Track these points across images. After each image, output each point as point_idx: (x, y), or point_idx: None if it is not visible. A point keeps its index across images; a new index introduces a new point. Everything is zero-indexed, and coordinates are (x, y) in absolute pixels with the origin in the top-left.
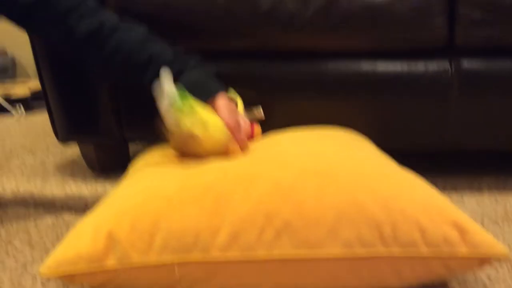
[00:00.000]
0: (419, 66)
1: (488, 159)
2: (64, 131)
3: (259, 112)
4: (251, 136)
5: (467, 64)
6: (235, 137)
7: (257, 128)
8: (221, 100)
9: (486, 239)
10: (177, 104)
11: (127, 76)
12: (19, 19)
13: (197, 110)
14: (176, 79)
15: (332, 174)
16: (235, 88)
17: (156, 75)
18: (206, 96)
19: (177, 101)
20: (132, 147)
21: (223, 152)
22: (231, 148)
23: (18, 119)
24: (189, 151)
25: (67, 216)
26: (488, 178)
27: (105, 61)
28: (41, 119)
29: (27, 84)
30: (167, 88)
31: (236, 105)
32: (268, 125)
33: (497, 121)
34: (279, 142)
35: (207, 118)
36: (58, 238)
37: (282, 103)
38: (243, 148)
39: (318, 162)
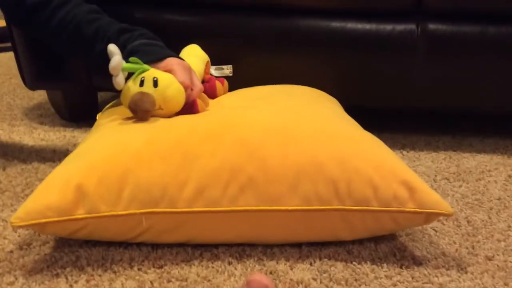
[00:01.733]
0: (387, 27)
1: (447, 119)
2: (32, 76)
3: (228, 68)
4: (213, 93)
5: (433, 26)
6: (189, 95)
7: (225, 85)
8: (173, 60)
9: (433, 198)
10: (130, 75)
11: (74, 48)
12: None
13: (150, 73)
14: (123, 48)
15: (295, 132)
16: (204, 43)
17: (104, 47)
18: (155, 58)
19: (126, 70)
20: (101, 96)
21: (181, 111)
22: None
23: None
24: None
25: (35, 162)
26: (445, 137)
27: (53, 34)
28: (6, 60)
29: None
30: (116, 61)
31: (189, 67)
32: (237, 81)
33: (459, 83)
34: (247, 99)
35: (162, 79)
36: (27, 183)
37: (251, 59)
38: (196, 107)
39: (283, 120)
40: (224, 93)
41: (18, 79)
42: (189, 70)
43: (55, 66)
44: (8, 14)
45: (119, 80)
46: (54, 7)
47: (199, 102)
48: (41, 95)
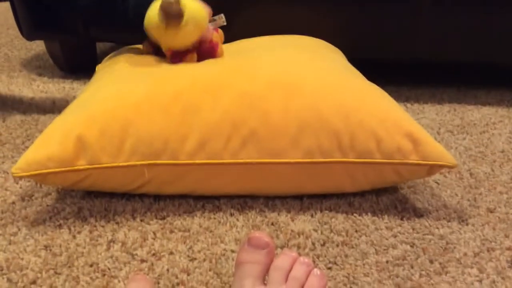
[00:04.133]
0: None
1: (452, 71)
2: (29, 27)
3: (221, 18)
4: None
5: None
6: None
7: (220, 33)
8: None
9: (437, 150)
10: None
11: None
12: None
13: None
14: None
15: (298, 85)
16: None
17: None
18: None
19: None
20: (100, 46)
21: (202, 53)
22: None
23: None
24: (170, 36)
25: (35, 114)
26: (450, 90)
27: None
28: (2, 10)
29: None
30: None
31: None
32: (235, 32)
33: (465, 35)
34: (248, 50)
35: (194, 4)
36: (27, 135)
37: (252, 10)
38: (216, 49)
39: (285, 72)
40: (221, 42)
41: (15, 30)
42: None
43: (52, 16)
44: None
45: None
46: None
47: (220, 45)
48: (39, 46)
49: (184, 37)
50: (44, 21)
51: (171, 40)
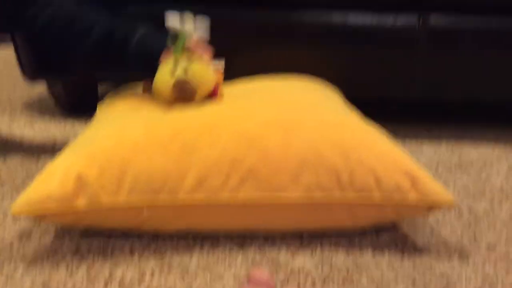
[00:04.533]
0: (388, 20)
1: (449, 110)
2: (31, 69)
3: (221, 64)
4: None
5: (434, 19)
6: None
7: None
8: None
9: (436, 188)
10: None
11: (71, 36)
12: None
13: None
14: (131, 33)
15: (297, 123)
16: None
17: (104, 36)
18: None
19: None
20: (101, 87)
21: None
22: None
23: None
24: (180, 98)
25: (36, 154)
26: (447, 129)
27: (48, 22)
28: (5, 54)
29: None
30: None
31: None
32: (238, 72)
33: (461, 76)
34: (247, 90)
35: (202, 71)
36: (27, 175)
37: (253, 51)
38: (216, 90)
39: (284, 111)
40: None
41: (18, 72)
42: (209, 51)
43: (54, 58)
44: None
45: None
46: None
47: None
48: (41, 88)
49: (194, 101)
50: (46, 62)
51: (178, 103)
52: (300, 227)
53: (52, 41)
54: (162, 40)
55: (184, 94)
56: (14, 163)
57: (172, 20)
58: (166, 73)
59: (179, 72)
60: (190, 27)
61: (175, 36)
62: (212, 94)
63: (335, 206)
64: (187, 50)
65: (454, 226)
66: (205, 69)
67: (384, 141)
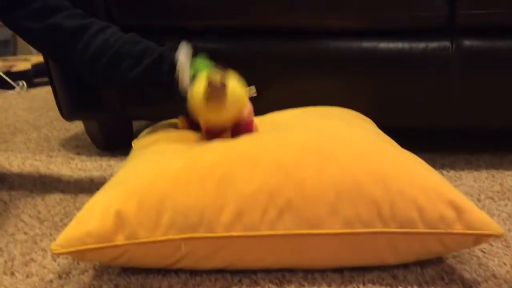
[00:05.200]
0: (420, 45)
1: (486, 136)
2: (68, 108)
3: (252, 89)
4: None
5: (468, 43)
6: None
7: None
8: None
9: (482, 218)
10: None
11: (114, 71)
12: (5, 9)
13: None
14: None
15: (333, 153)
16: (236, 68)
17: (152, 62)
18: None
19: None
20: (136, 124)
21: (238, 130)
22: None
23: (21, 94)
24: (212, 112)
25: (73, 192)
26: (486, 156)
27: (95, 54)
28: (43, 94)
29: (29, 60)
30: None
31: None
32: (269, 104)
33: (497, 100)
34: (281, 121)
35: (236, 84)
36: (65, 213)
37: (282, 83)
38: (251, 126)
39: (319, 141)
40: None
41: (55, 112)
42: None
43: (90, 96)
44: (42, 46)
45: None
46: (95, 31)
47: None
48: (77, 126)
49: (224, 113)
50: (83, 101)
51: (212, 114)
52: (340, 263)
53: (102, 69)
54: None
55: (216, 94)
56: (53, 201)
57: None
58: (203, 80)
59: (215, 75)
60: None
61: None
62: (246, 131)
63: (377, 240)
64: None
65: (502, 257)
66: (239, 84)
67: (424, 170)
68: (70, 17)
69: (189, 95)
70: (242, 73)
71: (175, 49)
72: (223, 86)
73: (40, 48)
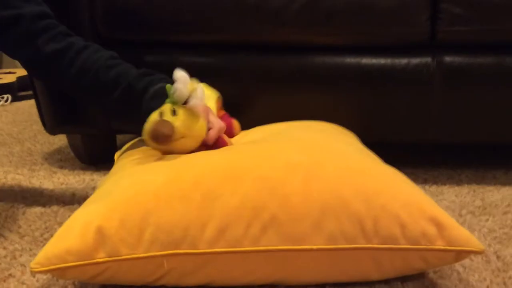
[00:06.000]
0: (402, 60)
1: (469, 151)
2: (52, 122)
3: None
4: (230, 132)
5: (449, 59)
6: (209, 135)
7: (236, 123)
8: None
9: (463, 234)
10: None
11: (94, 94)
12: None
13: (168, 106)
14: (145, 91)
15: (318, 168)
16: (218, 83)
17: (124, 91)
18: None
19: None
20: (119, 138)
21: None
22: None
23: (4, 107)
24: (167, 150)
25: (55, 206)
26: (468, 170)
27: (72, 80)
28: (28, 107)
29: (14, 73)
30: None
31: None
32: (253, 119)
33: (478, 115)
34: (265, 135)
35: (180, 108)
36: (46, 227)
37: (266, 97)
38: (223, 143)
39: (304, 156)
40: (238, 131)
41: (38, 125)
42: (206, 111)
43: (74, 111)
44: (26, 66)
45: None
46: (72, 54)
47: (225, 137)
48: (61, 140)
49: (179, 150)
50: (67, 115)
51: (166, 152)
52: (324, 279)
53: (81, 92)
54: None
55: (157, 134)
56: (33, 216)
57: (179, 78)
58: (153, 115)
59: (166, 113)
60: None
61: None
62: (217, 144)
63: (360, 256)
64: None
65: (482, 272)
66: (196, 117)
67: (406, 185)
68: (50, 41)
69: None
70: (227, 87)
71: (144, 74)
72: (168, 137)
73: (27, 71)
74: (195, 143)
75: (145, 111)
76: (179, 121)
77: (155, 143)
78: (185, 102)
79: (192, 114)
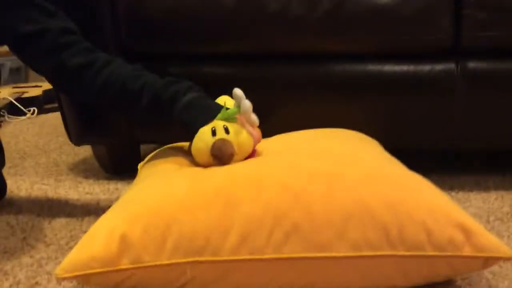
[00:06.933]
0: (425, 67)
1: (495, 157)
2: (77, 133)
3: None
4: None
5: (473, 64)
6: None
7: (258, 132)
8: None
9: (491, 241)
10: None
11: (120, 105)
12: (15, 47)
13: (219, 123)
14: (175, 101)
15: (340, 176)
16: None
17: (150, 101)
18: (214, 114)
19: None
20: (143, 148)
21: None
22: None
23: (31, 119)
24: (218, 159)
25: (80, 215)
26: (495, 176)
27: (98, 93)
28: (54, 119)
29: (40, 86)
30: (247, 104)
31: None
32: (275, 127)
33: (503, 121)
34: (287, 144)
35: (231, 126)
36: (71, 236)
37: (289, 106)
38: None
39: (326, 164)
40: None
41: (64, 137)
42: (245, 124)
43: (98, 121)
44: (51, 79)
45: (254, 118)
46: (98, 68)
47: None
48: (86, 151)
49: (238, 160)
50: (92, 126)
51: (207, 164)
52: (348, 286)
53: (107, 105)
54: (208, 110)
55: (221, 154)
56: (59, 225)
57: (239, 93)
58: (206, 133)
59: (220, 131)
60: (245, 106)
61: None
62: (249, 156)
63: (385, 263)
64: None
65: (511, 278)
66: (245, 132)
67: (432, 192)
68: (75, 55)
69: (193, 149)
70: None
71: (170, 83)
72: (231, 156)
73: (51, 84)
74: (244, 157)
75: (178, 122)
76: (232, 137)
77: (217, 162)
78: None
79: (240, 131)
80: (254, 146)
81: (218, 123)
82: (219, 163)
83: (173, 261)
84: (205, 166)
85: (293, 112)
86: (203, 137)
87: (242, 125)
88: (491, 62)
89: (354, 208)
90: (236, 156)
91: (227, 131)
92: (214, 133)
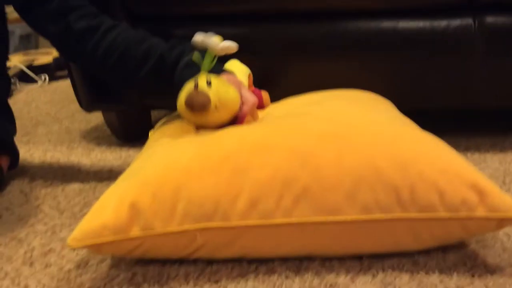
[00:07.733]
0: (442, 23)
1: (511, 118)
2: (87, 99)
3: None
4: (260, 105)
5: (491, 19)
6: (242, 110)
7: (265, 95)
8: (228, 76)
9: (505, 201)
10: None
11: (124, 70)
12: (20, 10)
13: (203, 76)
14: (177, 62)
15: (350, 138)
16: (251, 54)
17: (155, 63)
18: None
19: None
20: (154, 113)
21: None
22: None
23: (43, 87)
24: (202, 121)
25: (93, 182)
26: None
27: (102, 57)
28: (65, 87)
29: (51, 53)
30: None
31: (240, 82)
32: (286, 89)
33: None
34: (297, 106)
35: (215, 80)
36: (85, 203)
37: (299, 66)
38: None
39: (336, 125)
40: (268, 103)
41: (76, 105)
42: (239, 85)
43: (107, 88)
44: (56, 43)
45: (227, 44)
46: (102, 32)
47: (247, 117)
48: (98, 118)
49: (213, 121)
50: (101, 92)
51: (200, 123)
52: (359, 250)
53: (111, 70)
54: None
55: (192, 103)
56: (72, 192)
57: (198, 38)
58: (189, 85)
59: (202, 83)
60: (215, 42)
61: (202, 54)
62: (239, 120)
63: (396, 226)
64: (216, 74)
65: None
66: (231, 88)
67: (445, 152)
68: (80, 19)
69: (177, 105)
70: (259, 58)
71: (174, 45)
72: (203, 105)
73: (56, 48)
74: (228, 116)
75: (177, 82)
76: (213, 91)
77: (191, 112)
78: (217, 71)
79: (226, 85)
80: (253, 108)
81: (202, 76)
82: (192, 115)
83: (183, 227)
84: (188, 120)
85: (304, 73)
86: (185, 89)
87: (237, 85)
88: (509, 16)
89: (364, 170)
90: (216, 111)
91: (209, 84)
92: (195, 85)
